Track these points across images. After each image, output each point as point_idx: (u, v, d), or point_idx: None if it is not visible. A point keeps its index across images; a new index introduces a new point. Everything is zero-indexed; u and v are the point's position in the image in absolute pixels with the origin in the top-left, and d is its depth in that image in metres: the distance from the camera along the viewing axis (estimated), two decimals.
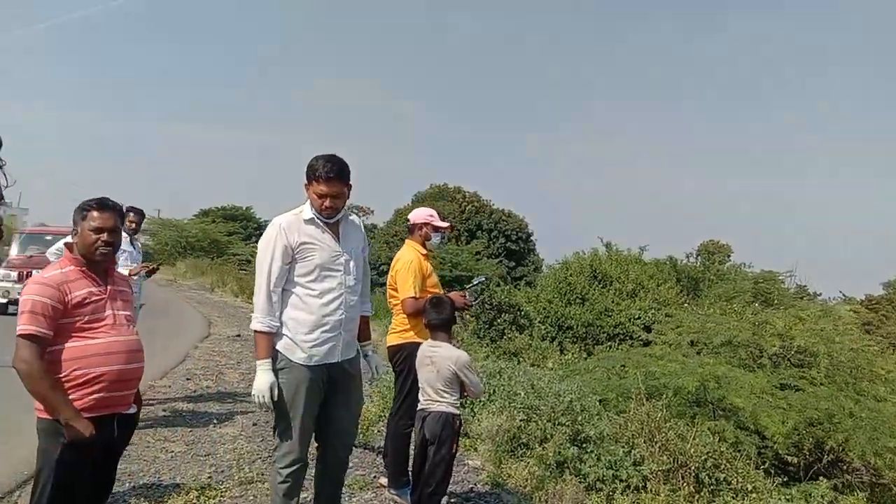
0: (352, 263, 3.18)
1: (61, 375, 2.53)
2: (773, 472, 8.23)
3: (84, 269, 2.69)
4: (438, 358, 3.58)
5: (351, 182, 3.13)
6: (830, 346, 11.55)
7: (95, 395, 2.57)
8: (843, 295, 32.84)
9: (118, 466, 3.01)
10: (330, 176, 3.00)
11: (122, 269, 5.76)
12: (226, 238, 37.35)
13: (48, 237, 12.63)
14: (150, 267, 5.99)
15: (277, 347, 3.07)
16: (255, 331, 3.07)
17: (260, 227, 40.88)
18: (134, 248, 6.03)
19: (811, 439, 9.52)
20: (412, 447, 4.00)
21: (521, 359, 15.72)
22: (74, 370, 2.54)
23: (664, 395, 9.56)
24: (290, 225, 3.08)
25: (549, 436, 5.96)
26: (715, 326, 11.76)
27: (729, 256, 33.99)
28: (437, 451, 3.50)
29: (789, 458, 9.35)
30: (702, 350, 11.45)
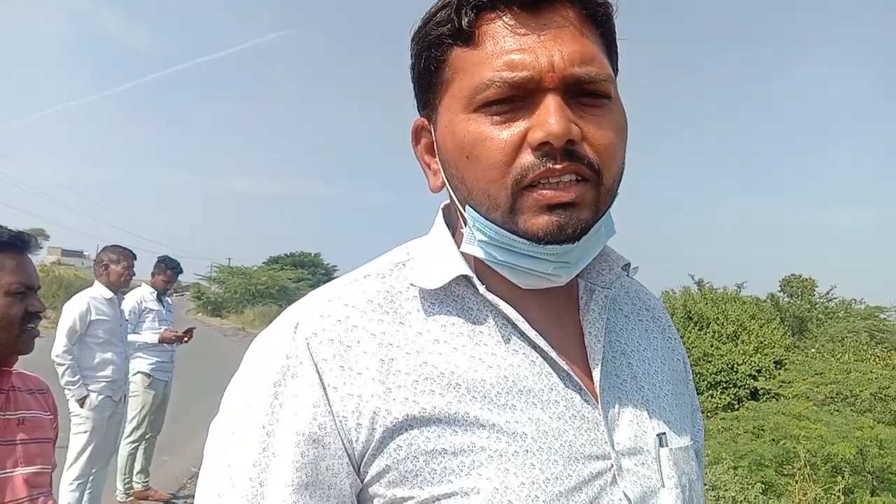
0: None
1: None
2: None
3: None
4: None
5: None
6: None
7: None
8: None
9: None
10: None
11: (150, 332, 4.64)
12: (294, 285, 37.04)
13: None
14: (183, 334, 4.72)
15: None
16: None
17: (329, 274, 40.40)
18: (163, 305, 4.85)
19: None
20: None
21: None
22: None
23: (807, 463, 7.90)
24: (363, 335, 0.64)
25: None
26: (860, 376, 9.90)
27: (813, 290, 31.46)
28: None
29: None
30: (841, 405, 9.61)
